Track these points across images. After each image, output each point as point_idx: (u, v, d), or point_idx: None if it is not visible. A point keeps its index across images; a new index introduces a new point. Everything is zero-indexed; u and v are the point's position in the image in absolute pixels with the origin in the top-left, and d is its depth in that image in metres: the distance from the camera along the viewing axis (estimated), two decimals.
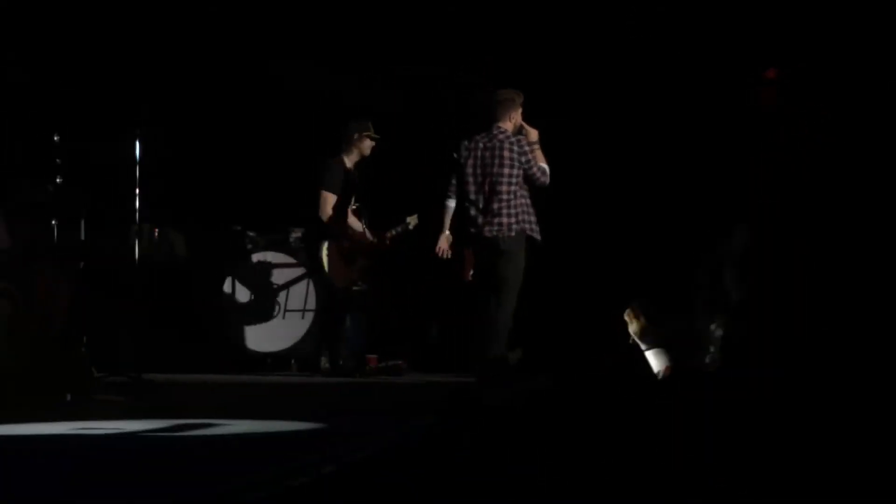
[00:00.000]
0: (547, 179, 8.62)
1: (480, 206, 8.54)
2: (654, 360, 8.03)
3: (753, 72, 7.72)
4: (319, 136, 10.21)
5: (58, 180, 7.91)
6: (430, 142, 10.96)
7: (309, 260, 9.96)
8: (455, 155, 8.70)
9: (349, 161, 9.67)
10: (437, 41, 10.94)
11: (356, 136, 9.64)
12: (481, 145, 8.60)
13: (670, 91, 10.32)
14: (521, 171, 8.52)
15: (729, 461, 4.28)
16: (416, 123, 11.16)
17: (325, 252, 9.56)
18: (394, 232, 10.01)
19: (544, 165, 8.63)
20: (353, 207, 9.98)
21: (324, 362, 9.63)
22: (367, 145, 9.65)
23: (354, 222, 9.83)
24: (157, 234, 9.68)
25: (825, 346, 6.95)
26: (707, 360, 8.12)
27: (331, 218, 9.53)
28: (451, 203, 8.85)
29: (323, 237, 9.57)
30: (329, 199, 9.53)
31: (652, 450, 4.56)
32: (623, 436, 4.96)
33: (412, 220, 9.98)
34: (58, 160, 7.91)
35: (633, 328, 8.23)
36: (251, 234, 10.53)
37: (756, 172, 7.89)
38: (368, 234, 9.80)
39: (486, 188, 8.53)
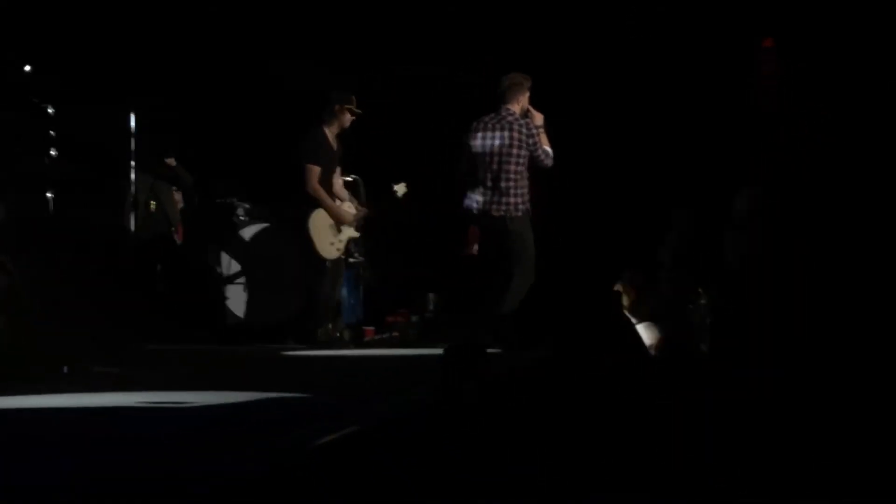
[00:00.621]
0: (550, 162, 8.85)
1: (488, 184, 8.74)
2: (646, 334, 8.11)
3: (751, 45, 7.73)
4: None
5: (52, 152, 7.89)
6: (429, 139, 10.97)
7: (296, 232, 9.96)
8: (465, 139, 8.86)
9: (330, 132, 9.68)
10: (437, 41, 10.95)
11: (337, 107, 9.65)
12: (490, 125, 8.80)
13: (670, 90, 10.33)
14: (527, 153, 8.74)
15: (729, 461, 4.28)
16: (415, 123, 11.17)
17: (310, 224, 9.55)
18: (380, 202, 10.04)
19: (548, 149, 8.84)
20: (350, 179, 10.04)
21: (321, 334, 9.62)
22: (348, 118, 9.66)
23: (340, 191, 9.81)
24: (153, 207, 9.65)
25: (825, 346, 6.95)
26: (694, 337, 8.17)
27: (316, 189, 9.53)
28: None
29: (308, 209, 9.57)
30: (314, 172, 9.53)
31: (652, 450, 4.55)
32: (623, 436, 4.96)
33: (400, 189, 9.99)
34: (52, 132, 7.89)
35: (625, 302, 8.31)
36: (246, 205, 10.51)
37: (755, 172, 7.89)
38: (353, 206, 9.78)
39: (494, 167, 8.74)
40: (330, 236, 9.59)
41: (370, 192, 10.22)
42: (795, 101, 7.72)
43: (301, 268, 9.90)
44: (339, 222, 9.60)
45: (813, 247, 7.60)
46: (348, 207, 9.75)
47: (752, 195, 8.14)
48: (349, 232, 9.72)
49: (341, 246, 9.66)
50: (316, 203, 9.56)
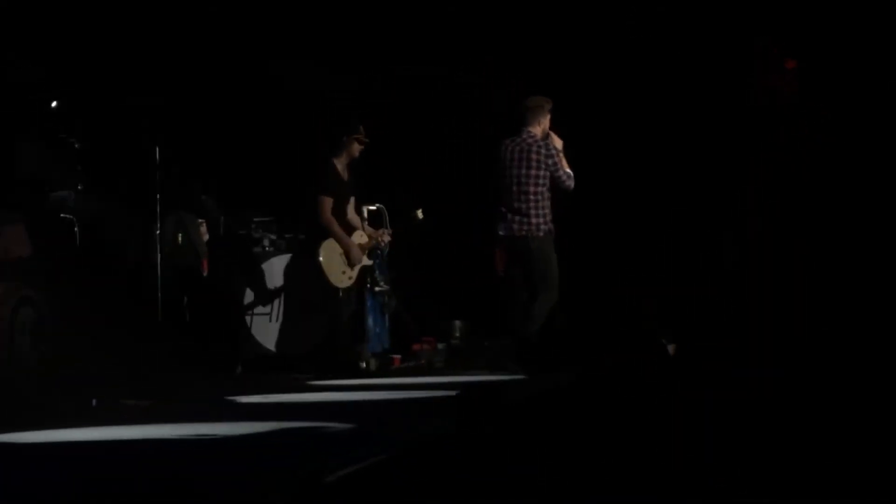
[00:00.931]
0: (572, 184, 8.99)
1: (511, 206, 8.89)
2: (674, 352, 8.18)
3: (769, 65, 7.74)
4: (319, 136, 10.21)
5: (79, 187, 7.92)
6: (430, 141, 10.98)
7: (310, 262, 9.95)
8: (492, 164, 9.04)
9: (340, 164, 9.70)
10: (437, 41, 10.95)
11: (346, 138, 9.67)
12: (510, 148, 8.95)
13: (670, 90, 10.33)
14: (547, 173, 8.89)
15: (729, 461, 4.28)
16: (416, 123, 11.17)
17: (321, 254, 9.57)
18: (389, 230, 10.04)
19: (569, 171, 8.98)
20: (374, 208, 10.09)
21: (352, 356, 9.65)
22: (357, 148, 9.68)
23: (353, 219, 9.81)
24: (180, 239, 9.65)
25: (825, 346, 6.95)
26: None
27: (329, 221, 9.56)
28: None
29: (320, 240, 9.59)
30: (327, 203, 9.57)
31: (652, 450, 4.56)
32: (623, 436, 4.96)
33: (417, 214, 10.00)
34: (78, 167, 7.92)
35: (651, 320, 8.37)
36: (272, 236, 10.52)
37: (756, 172, 7.90)
38: (364, 235, 9.78)
39: (515, 189, 8.88)
40: (341, 265, 9.62)
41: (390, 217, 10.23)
42: (795, 101, 7.73)
43: (322, 297, 9.87)
44: (348, 257, 9.61)
45: (813, 247, 7.61)
46: (359, 237, 9.74)
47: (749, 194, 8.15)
48: (363, 260, 9.74)
49: (353, 275, 9.66)
50: (326, 234, 9.59)
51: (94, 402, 7.04)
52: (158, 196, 8.42)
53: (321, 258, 9.58)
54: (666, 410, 5.69)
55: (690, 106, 10.01)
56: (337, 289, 9.59)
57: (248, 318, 10.25)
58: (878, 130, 7.85)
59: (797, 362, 6.86)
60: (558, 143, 9.03)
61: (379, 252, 10.23)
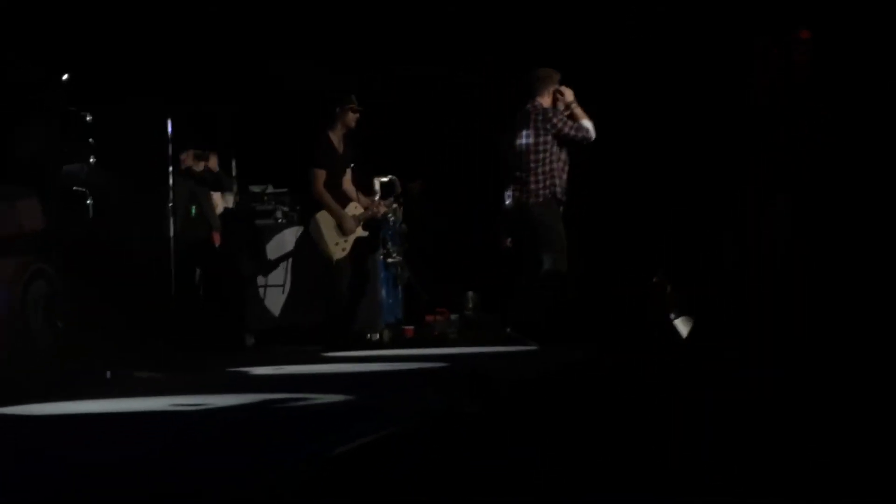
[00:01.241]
0: (588, 134, 8.87)
1: (512, 175, 8.90)
2: (682, 328, 8.14)
3: (782, 37, 7.72)
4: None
5: (91, 160, 7.91)
6: (430, 141, 10.98)
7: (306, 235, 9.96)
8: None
9: (335, 136, 9.71)
10: (437, 41, 10.96)
11: (338, 109, 9.67)
12: (516, 119, 8.99)
13: (670, 90, 10.34)
14: (548, 139, 8.83)
15: (728, 461, 4.28)
16: (416, 123, 11.18)
17: (315, 225, 9.57)
18: (391, 200, 10.06)
19: (585, 123, 8.87)
20: (386, 180, 10.10)
21: (359, 329, 9.68)
22: (352, 118, 9.69)
23: (349, 190, 9.77)
24: (193, 212, 9.66)
25: (825, 346, 6.95)
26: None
27: (321, 193, 9.57)
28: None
29: (313, 212, 9.60)
30: (319, 176, 9.58)
31: (652, 449, 4.56)
32: (623, 434, 4.96)
33: (417, 185, 10.01)
34: (90, 140, 7.91)
35: (663, 296, 8.34)
36: (285, 208, 10.54)
37: (756, 172, 7.89)
38: (359, 206, 9.75)
39: (516, 158, 8.90)
40: (335, 237, 9.61)
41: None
42: (796, 100, 7.73)
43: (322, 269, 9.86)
44: (341, 227, 9.61)
45: (813, 247, 7.60)
46: (354, 208, 9.72)
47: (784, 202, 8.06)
48: (356, 231, 9.73)
49: (347, 246, 9.66)
50: (320, 206, 9.59)
51: (108, 374, 7.05)
52: (171, 168, 8.43)
53: (315, 229, 9.59)
54: (666, 410, 5.69)
55: (690, 105, 10.01)
56: (331, 260, 9.58)
57: (261, 291, 10.28)
58: (878, 130, 7.85)
59: (797, 362, 6.86)
60: (569, 94, 8.94)
61: (392, 221, 10.24)
